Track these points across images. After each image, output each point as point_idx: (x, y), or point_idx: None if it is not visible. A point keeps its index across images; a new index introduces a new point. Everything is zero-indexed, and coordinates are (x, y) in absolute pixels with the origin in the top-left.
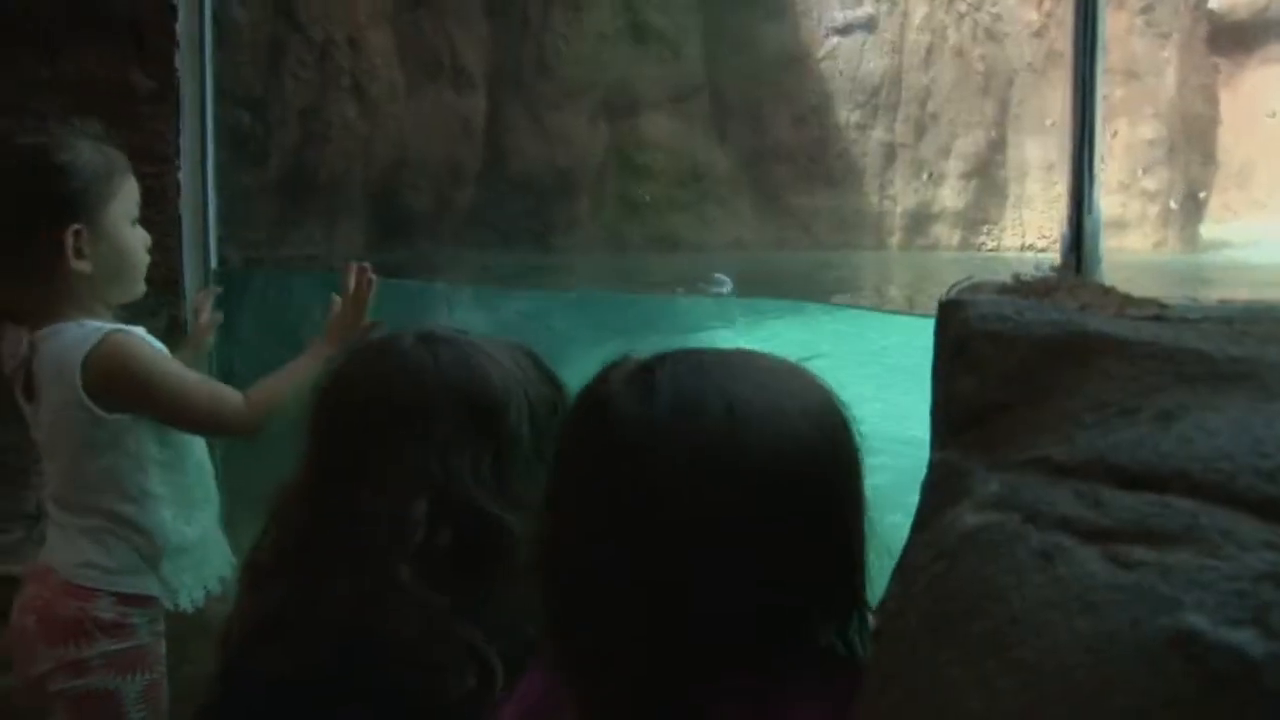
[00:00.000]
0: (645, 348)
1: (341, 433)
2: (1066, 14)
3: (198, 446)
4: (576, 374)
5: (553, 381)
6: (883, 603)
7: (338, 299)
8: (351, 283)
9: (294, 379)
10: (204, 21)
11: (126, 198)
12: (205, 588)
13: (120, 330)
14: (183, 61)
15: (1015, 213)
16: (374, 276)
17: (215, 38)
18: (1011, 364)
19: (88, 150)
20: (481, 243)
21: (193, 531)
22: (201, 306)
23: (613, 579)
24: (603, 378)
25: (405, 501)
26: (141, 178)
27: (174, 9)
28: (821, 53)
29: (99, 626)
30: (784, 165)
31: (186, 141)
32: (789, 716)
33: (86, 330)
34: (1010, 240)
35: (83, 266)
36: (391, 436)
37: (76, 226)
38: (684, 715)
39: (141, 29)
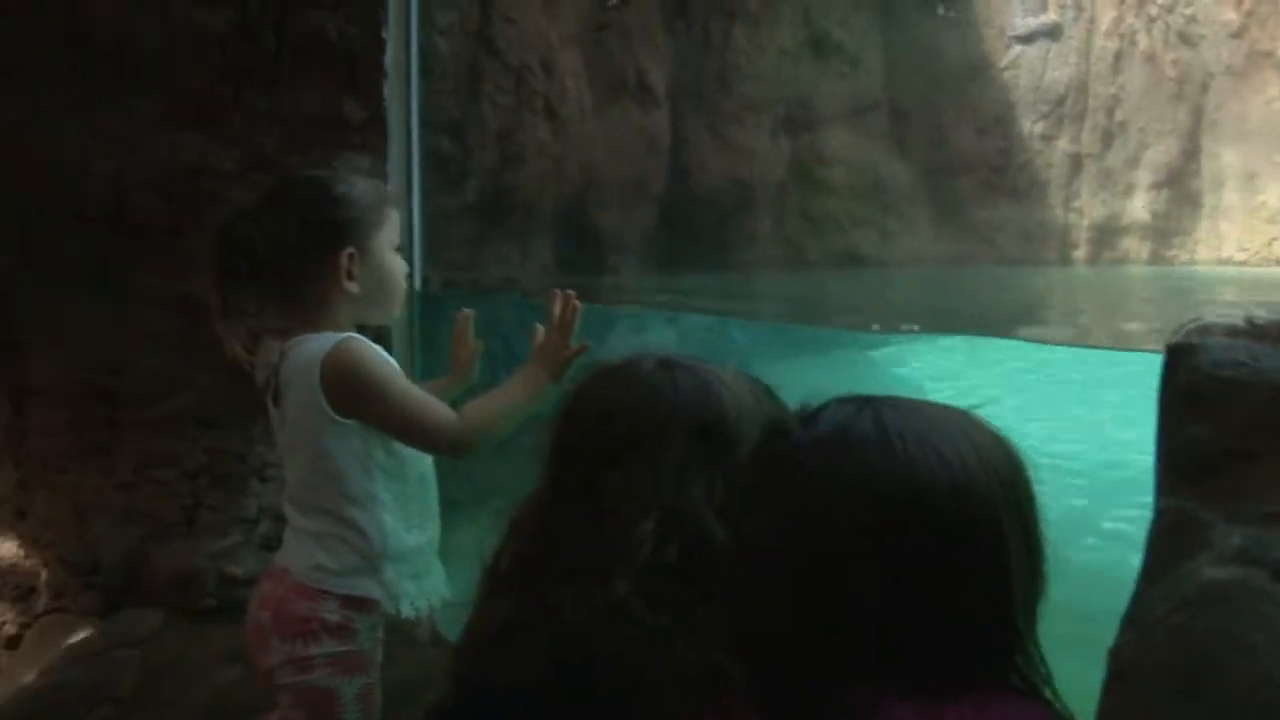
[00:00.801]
0: (829, 378)
1: (578, 451)
2: (1270, 12)
3: (423, 460)
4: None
5: (782, 413)
6: (1116, 649)
7: (540, 327)
8: (557, 309)
9: (505, 403)
10: (410, 52)
11: (391, 227)
12: (427, 599)
13: (356, 337)
14: (390, 91)
15: (1210, 224)
16: (579, 304)
17: (420, 67)
18: (1249, 412)
19: (361, 183)
20: (664, 260)
21: (413, 539)
22: (462, 333)
23: (778, 598)
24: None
25: (633, 520)
26: None
27: (384, 41)
28: (1004, 62)
29: (325, 628)
30: (965, 178)
31: (393, 167)
32: None
33: (329, 337)
34: (1205, 253)
35: (352, 287)
36: (626, 456)
37: (350, 250)
38: None
39: (354, 62)
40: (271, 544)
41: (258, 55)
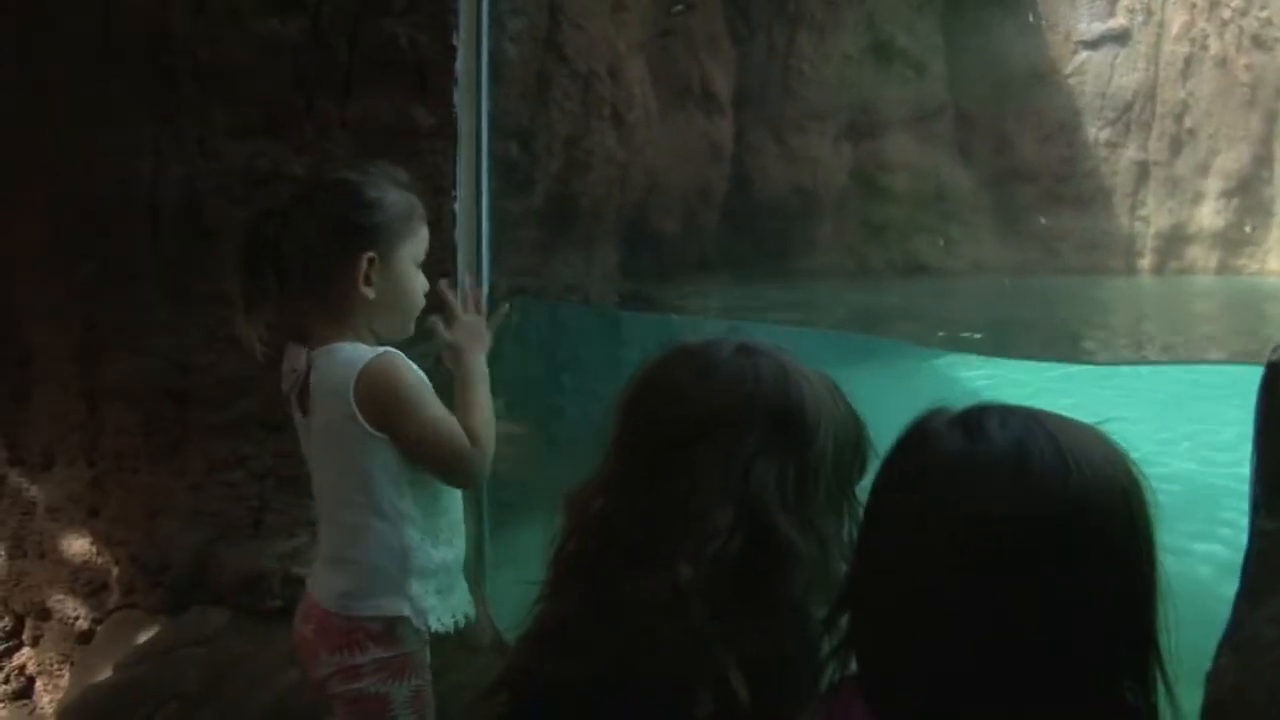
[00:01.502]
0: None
1: (647, 434)
2: None
3: None
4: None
5: (854, 416)
6: (1216, 674)
7: (437, 319)
8: (460, 292)
9: (482, 412)
10: (480, 60)
11: (418, 242)
12: (454, 616)
13: (394, 351)
14: (460, 98)
15: None
16: (470, 277)
17: (490, 75)
18: None
19: (394, 192)
20: (726, 267)
21: (439, 556)
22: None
23: (924, 605)
24: (921, 422)
25: (709, 508)
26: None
27: (454, 49)
28: (1070, 68)
29: (369, 636)
30: (1029, 186)
31: (462, 173)
32: None
33: (362, 349)
34: (1275, 263)
35: (369, 293)
36: (700, 442)
37: (371, 254)
38: None
39: (425, 70)
40: None
41: (330, 64)
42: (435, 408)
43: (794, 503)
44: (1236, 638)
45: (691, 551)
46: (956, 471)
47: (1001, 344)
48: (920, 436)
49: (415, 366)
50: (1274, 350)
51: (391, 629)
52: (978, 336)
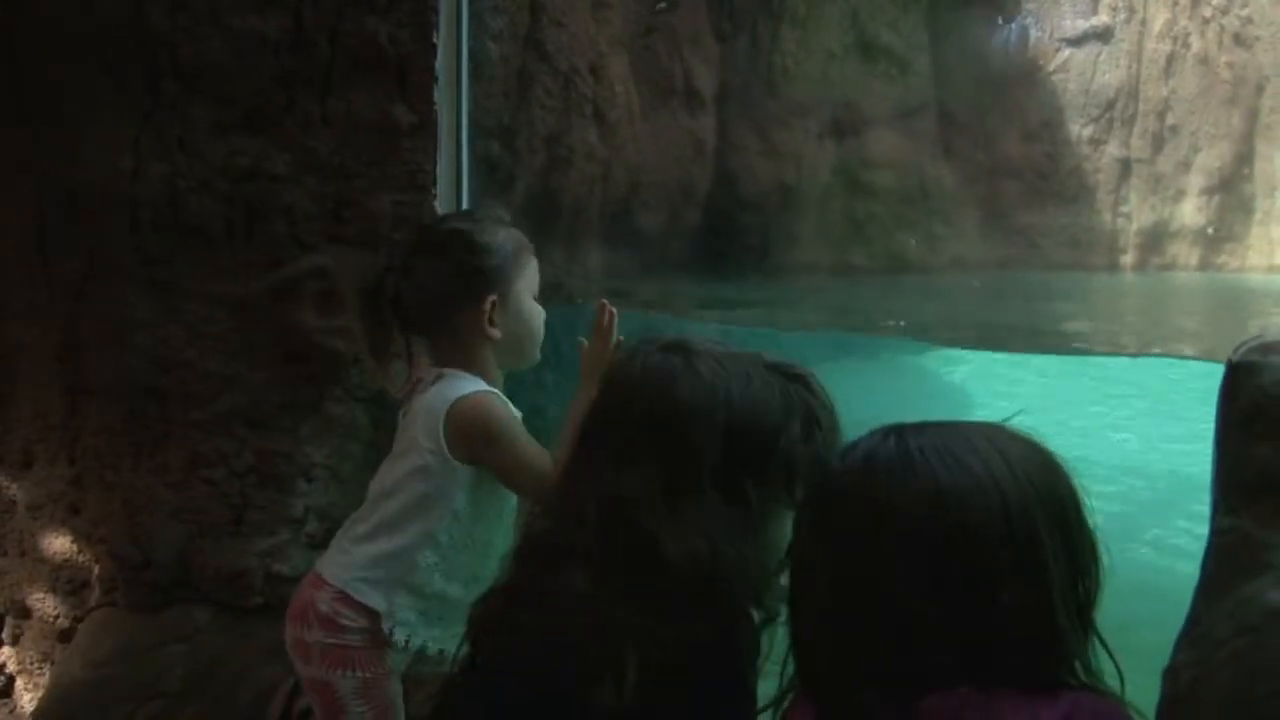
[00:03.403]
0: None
1: (578, 432)
2: None
3: (501, 528)
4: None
5: (798, 409)
6: (1173, 669)
7: (583, 340)
8: (599, 319)
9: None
10: (460, 57)
11: (531, 276)
12: (424, 642)
13: (489, 391)
14: (441, 96)
15: (1263, 230)
16: (613, 309)
17: (470, 72)
18: None
19: (502, 232)
20: (709, 264)
21: (443, 586)
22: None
23: (846, 611)
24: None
25: (582, 507)
26: (400, 206)
27: (434, 47)
28: (1053, 65)
29: (317, 616)
30: (1012, 182)
31: (442, 170)
32: None
33: (466, 382)
34: (1256, 259)
35: (494, 333)
36: (588, 443)
37: (492, 298)
38: None
39: (405, 67)
40: (318, 543)
41: (311, 61)
42: (523, 441)
43: (663, 500)
44: (1194, 633)
45: (581, 550)
46: (831, 494)
47: (978, 338)
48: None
49: (509, 404)
50: (1234, 351)
51: (336, 615)
52: (902, 324)
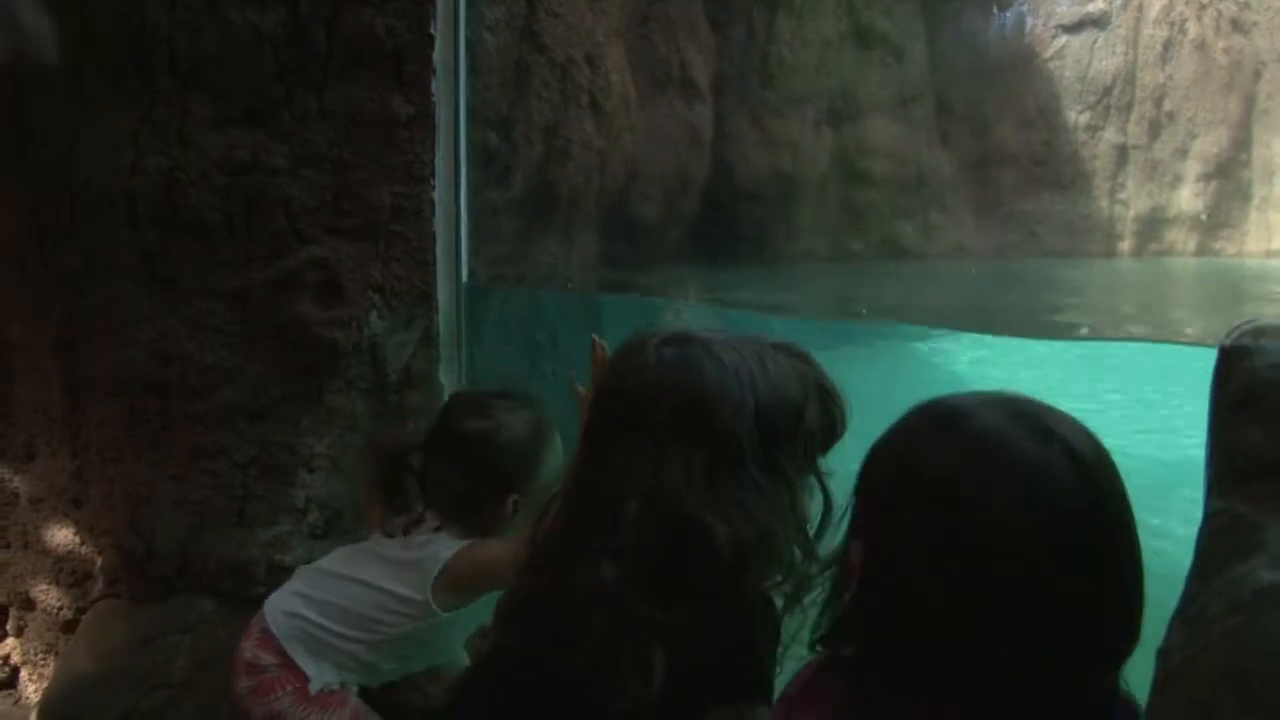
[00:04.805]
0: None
1: (590, 431)
2: None
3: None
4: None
5: (797, 386)
6: (1166, 650)
7: (597, 337)
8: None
9: None
10: (458, 48)
11: (553, 459)
12: (330, 684)
13: (475, 543)
14: (438, 87)
15: (1260, 215)
16: (604, 342)
17: (468, 64)
18: None
19: (520, 426)
20: (707, 253)
21: (371, 660)
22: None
23: (928, 601)
24: (913, 421)
25: (616, 503)
26: (399, 197)
27: (431, 38)
28: (1049, 52)
29: (243, 665)
30: (1009, 169)
31: (440, 162)
32: None
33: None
34: (1254, 245)
35: (517, 522)
36: (614, 437)
37: (514, 497)
38: None
39: (402, 59)
40: (319, 533)
41: (308, 54)
42: (512, 550)
43: (706, 486)
44: (1186, 614)
45: (613, 546)
46: (1029, 482)
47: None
48: (903, 445)
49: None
50: (1227, 335)
51: (257, 659)
52: (863, 312)
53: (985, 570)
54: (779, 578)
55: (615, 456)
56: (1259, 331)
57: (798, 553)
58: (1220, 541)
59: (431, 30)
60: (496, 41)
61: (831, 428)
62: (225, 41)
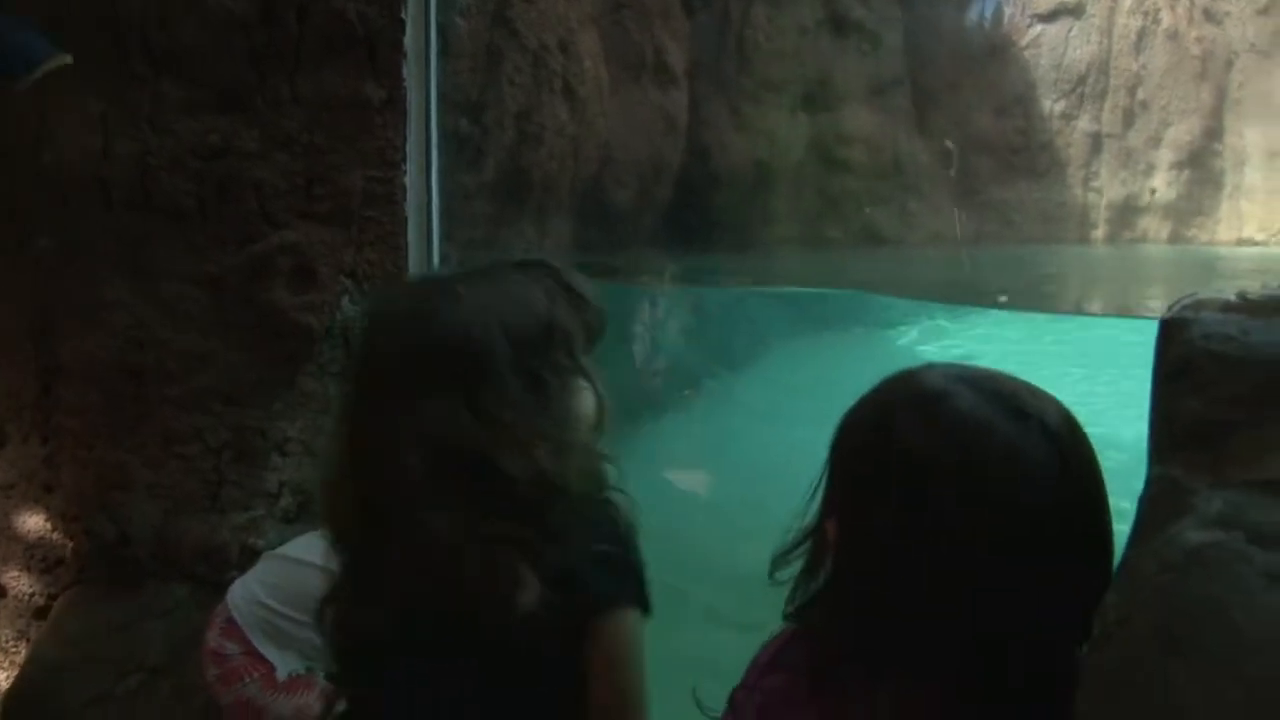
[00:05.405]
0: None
1: (344, 412)
2: None
3: None
4: (775, 365)
5: (556, 291)
6: (1102, 609)
7: None
8: None
9: None
10: (430, 33)
11: None
12: (296, 670)
13: None
14: (410, 72)
15: (1232, 204)
16: None
17: (439, 49)
18: (1238, 386)
19: None
20: (682, 239)
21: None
22: None
23: (909, 582)
24: (887, 398)
25: (400, 463)
26: (372, 182)
27: (403, 23)
28: (1025, 41)
29: (209, 655)
30: (985, 157)
31: (412, 147)
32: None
33: None
34: (1225, 233)
35: None
36: (375, 405)
37: None
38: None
39: (374, 44)
40: (292, 517)
41: (281, 39)
42: None
43: (476, 418)
44: (1122, 577)
45: (420, 504)
46: (1012, 462)
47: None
48: (883, 424)
49: None
50: (1168, 309)
51: (221, 648)
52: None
53: (969, 550)
54: (599, 487)
55: (368, 417)
56: (1199, 305)
57: (582, 453)
58: (1156, 507)
59: (403, 15)
60: (468, 26)
61: (588, 326)
62: (198, 26)
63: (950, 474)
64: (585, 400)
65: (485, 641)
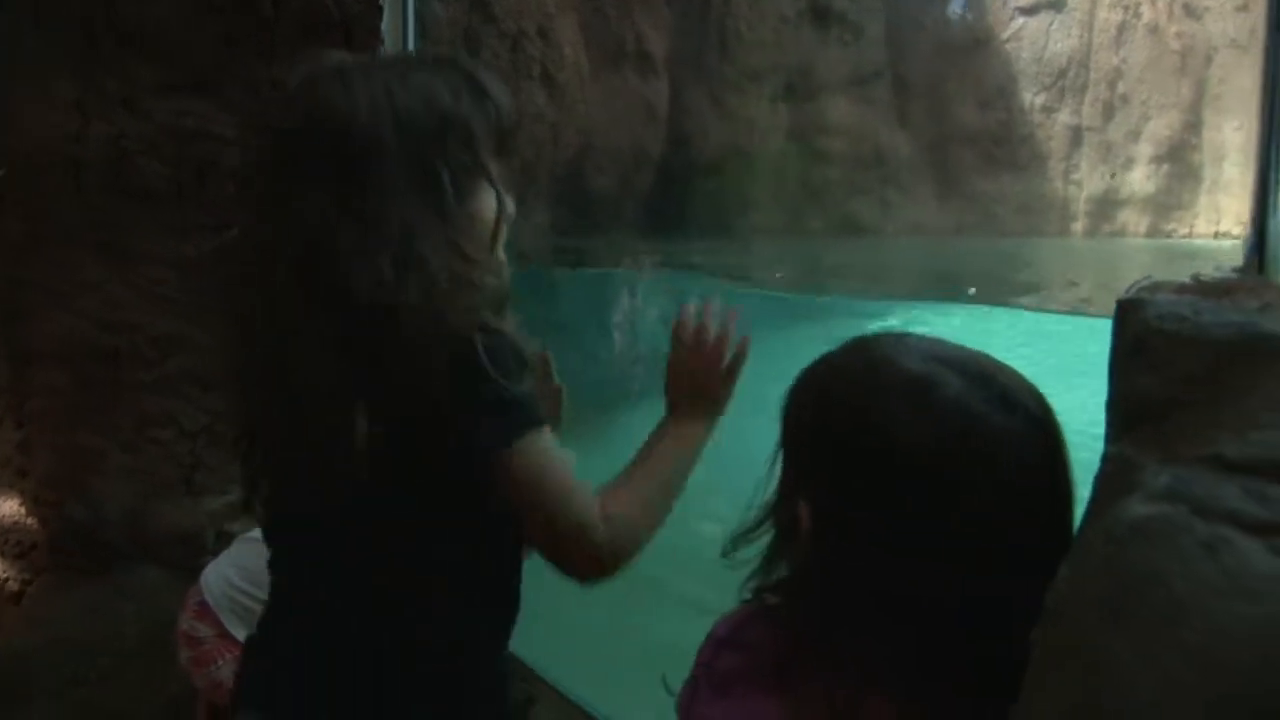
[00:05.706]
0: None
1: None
2: None
3: None
4: (754, 353)
5: (460, 84)
6: (1054, 586)
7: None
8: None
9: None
10: (407, 18)
11: None
12: None
13: None
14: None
15: (1210, 198)
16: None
17: (417, 33)
18: (1189, 364)
19: None
20: (662, 227)
21: None
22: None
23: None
24: (861, 378)
25: (274, 255)
26: None
27: (380, 8)
28: (1007, 34)
29: (183, 638)
30: (966, 149)
31: None
32: None
33: None
34: (1203, 227)
35: None
36: (265, 211)
37: None
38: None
39: (351, 28)
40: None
41: (256, 23)
42: None
43: (350, 220)
44: (1073, 554)
45: (291, 331)
46: (1008, 454)
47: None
48: (860, 407)
49: None
50: (1126, 290)
51: (194, 630)
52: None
53: (965, 547)
54: (469, 302)
55: (256, 229)
56: (1155, 286)
57: (459, 261)
58: (1109, 484)
59: (380, 0)
60: (445, 12)
61: (498, 128)
62: (173, 9)
63: (949, 468)
64: (487, 204)
65: (361, 501)
